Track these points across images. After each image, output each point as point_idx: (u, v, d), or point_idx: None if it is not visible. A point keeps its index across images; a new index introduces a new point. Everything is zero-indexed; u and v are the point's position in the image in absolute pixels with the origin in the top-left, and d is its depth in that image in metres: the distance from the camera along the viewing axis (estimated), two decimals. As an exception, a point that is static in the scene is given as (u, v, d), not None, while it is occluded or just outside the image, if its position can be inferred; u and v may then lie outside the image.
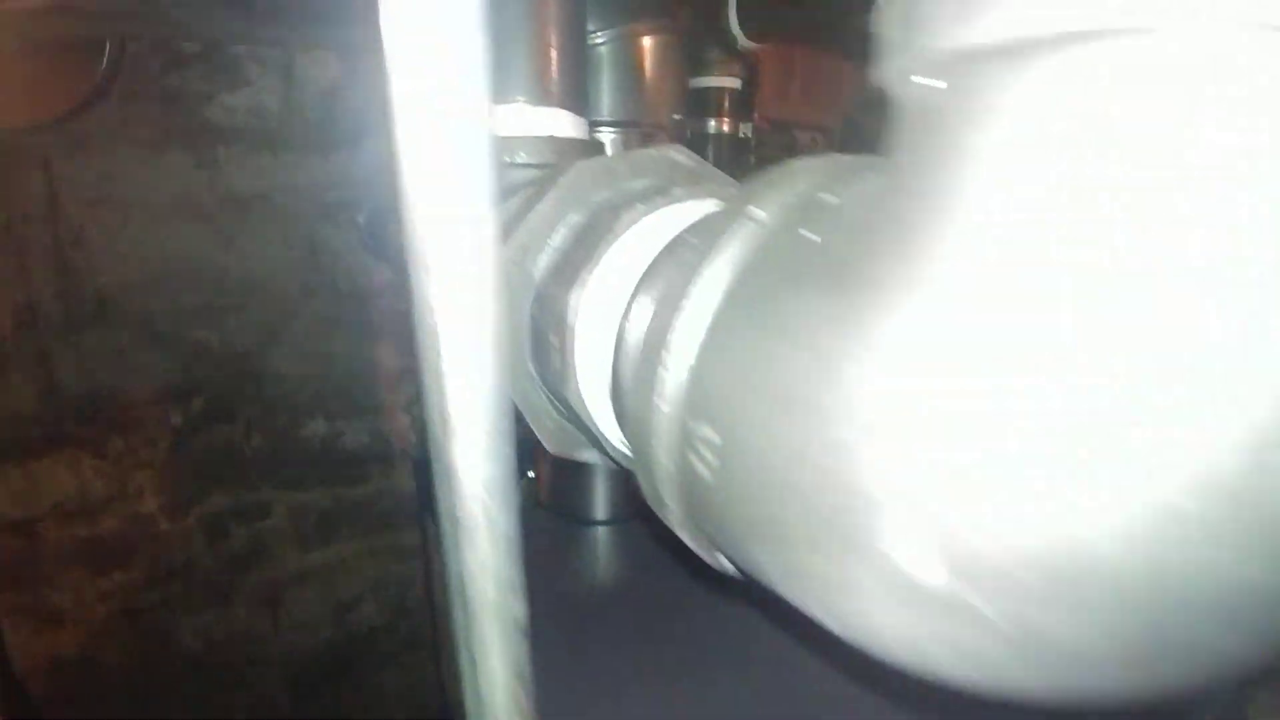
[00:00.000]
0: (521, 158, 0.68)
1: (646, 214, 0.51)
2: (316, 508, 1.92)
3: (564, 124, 0.70)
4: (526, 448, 1.14)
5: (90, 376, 1.59)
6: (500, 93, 0.66)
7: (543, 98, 0.68)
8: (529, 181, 0.64)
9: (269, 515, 1.87)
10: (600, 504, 1.10)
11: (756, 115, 1.41)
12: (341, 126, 1.72)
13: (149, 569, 1.74)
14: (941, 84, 0.22)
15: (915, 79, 0.23)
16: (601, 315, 0.48)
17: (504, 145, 0.67)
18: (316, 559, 1.95)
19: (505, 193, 0.64)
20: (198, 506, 1.77)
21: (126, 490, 1.69)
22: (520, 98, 0.67)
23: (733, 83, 1.31)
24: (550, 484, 1.13)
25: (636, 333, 0.42)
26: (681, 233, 0.45)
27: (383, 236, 1.38)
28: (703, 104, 1.32)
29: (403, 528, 2.05)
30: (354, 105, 1.72)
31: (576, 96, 0.71)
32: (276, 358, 1.78)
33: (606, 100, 1.00)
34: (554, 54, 0.67)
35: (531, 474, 1.15)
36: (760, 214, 0.32)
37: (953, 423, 0.21)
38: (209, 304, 1.67)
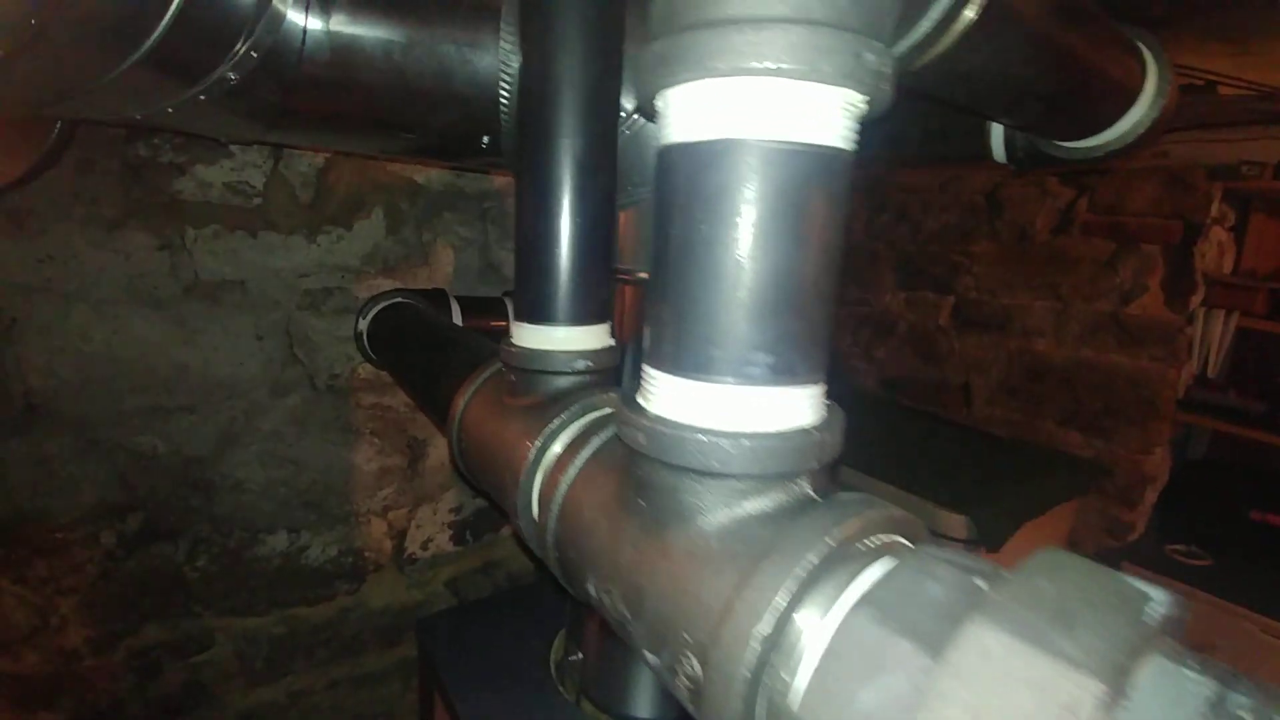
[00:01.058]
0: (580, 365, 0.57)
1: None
2: (267, 635, 1.67)
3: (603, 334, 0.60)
4: (576, 628, 0.98)
5: (11, 493, 1.32)
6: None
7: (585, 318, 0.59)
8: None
9: (210, 646, 1.61)
10: (647, 699, 0.95)
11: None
12: (333, 204, 1.55)
13: (74, 711, 1.45)
14: None
15: None
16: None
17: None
18: (265, 695, 1.68)
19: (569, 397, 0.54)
20: (129, 639, 1.50)
21: (49, 621, 1.41)
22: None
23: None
24: (596, 671, 0.98)
25: None
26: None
27: (394, 343, 1.21)
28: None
29: (369, 651, 1.81)
30: (349, 180, 1.55)
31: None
32: (234, 464, 1.55)
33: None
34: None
35: (579, 655, 0.99)
36: None
37: None
38: (158, 406, 1.44)
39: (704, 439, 0.35)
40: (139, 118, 0.76)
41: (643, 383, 0.41)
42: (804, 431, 0.36)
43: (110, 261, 1.34)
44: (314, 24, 0.75)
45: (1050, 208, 2.71)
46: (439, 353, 0.89)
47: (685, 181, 0.36)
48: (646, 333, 0.40)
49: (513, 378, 0.61)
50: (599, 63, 0.57)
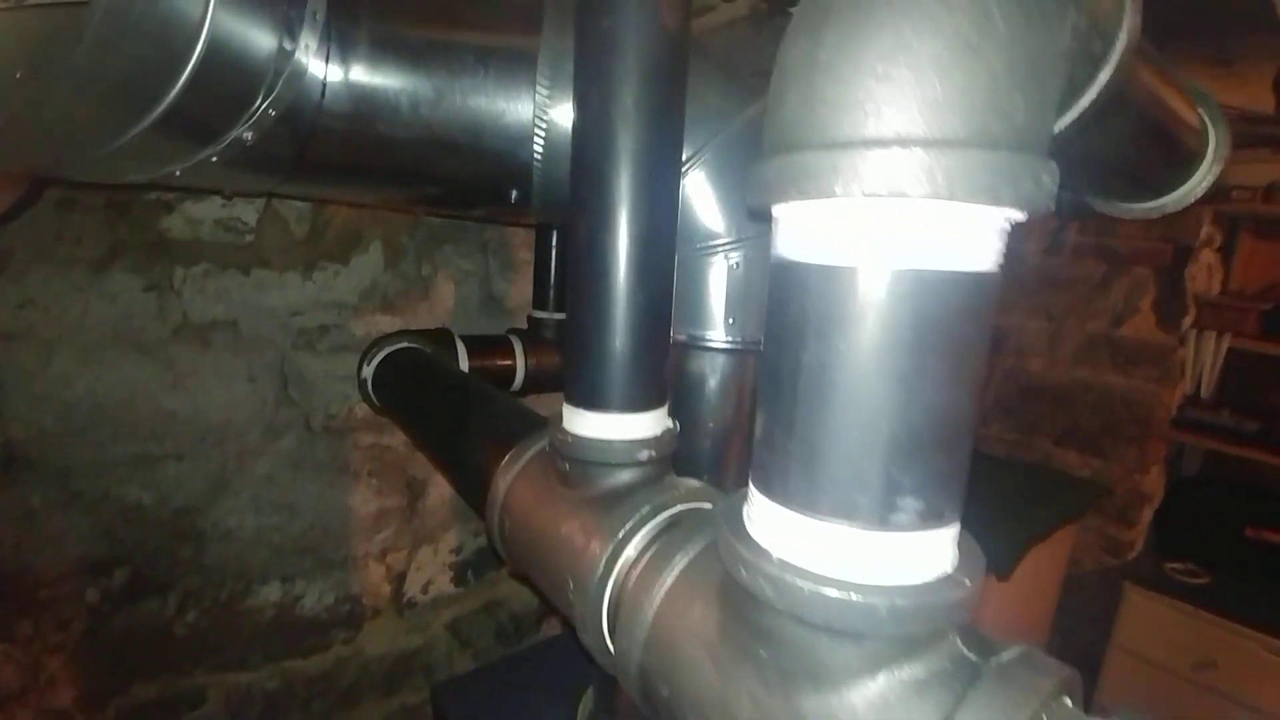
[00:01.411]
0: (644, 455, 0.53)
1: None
2: (261, 690, 1.59)
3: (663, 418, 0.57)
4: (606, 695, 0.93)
5: (-13, 549, 1.24)
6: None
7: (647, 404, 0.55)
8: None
9: (202, 704, 1.52)
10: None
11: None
12: (330, 239, 1.49)
13: (53, 781, 1.36)
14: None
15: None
16: None
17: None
18: (258, 754, 1.60)
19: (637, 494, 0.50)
20: (118, 698, 1.41)
21: (38, 679, 1.32)
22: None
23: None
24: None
25: None
26: None
27: (404, 393, 1.16)
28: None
29: (367, 701, 1.74)
30: (347, 214, 1.49)
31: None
32: (225, 512, 1.47)
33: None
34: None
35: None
36: None
37: None
38: (144, 454, 1.36)
39: (852, 598, 0.31)
40: (145, 181, 0.70)
41: (753, 512, 0.37)
42: (951, 580, 0.33)
43: (94, 305, 1.27)
44: (334, 74, 0.70)
45: (1040, 230, 2.73)
46: (465, 414, 0.84)
47: (821, 304, 0.32)
48: (757, 455, 0.36)
49: (565, 466, 0.57)
50: (663, 122, 0.53)
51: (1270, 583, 2.50)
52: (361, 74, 0.71)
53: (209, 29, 0.56)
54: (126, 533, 1.38)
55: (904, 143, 0.28)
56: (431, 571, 1.80)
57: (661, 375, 0.58)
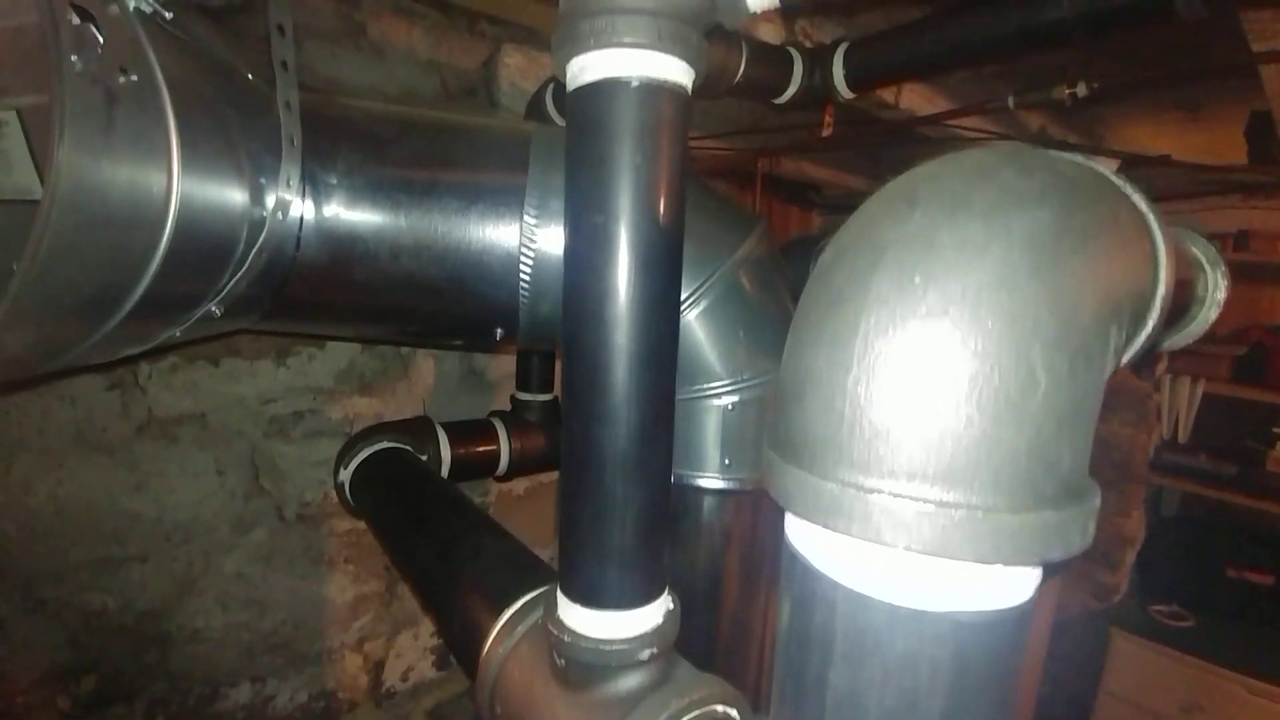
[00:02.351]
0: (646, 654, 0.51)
1: None
2: (232, 797, 1.51)
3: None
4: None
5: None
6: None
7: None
8: None
9: (168, 815, 1.45)
10: None
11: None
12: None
13: None
14: None
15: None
16: None
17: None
18: None
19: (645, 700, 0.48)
20: (79, 818, 1.34)
21: None
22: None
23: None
24: None
25: None
26: None
27: (384, 504, 1.12)
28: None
29: (343, 800, 1.67)
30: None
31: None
32: (191, 613, 1.42)
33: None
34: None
35: None
36: None
37: None
38: (107, 558, 1.31)
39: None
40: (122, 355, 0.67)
41: None
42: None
43: (55, 407, 1.22)
44: (310, 224, 0.68)
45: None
46: (452, 551, 0.81)
47: (854, 629, 0.30)
48: None
49: (562, 661, 0.54)
50: (659, 321, 0.51)
51: (1252, 623, 2.54)
52: (338, 223, 0.69)
53: (177, 204, 0.53)
54: (91, 639, 1.31)
55: (953, 506, 0.27)
56: (412, 658, 1.75)
57: (662, 564, 0.56)
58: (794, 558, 0.33)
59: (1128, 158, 2.20)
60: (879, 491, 0.28)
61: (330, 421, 1.51)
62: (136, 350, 0.63)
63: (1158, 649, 2.46)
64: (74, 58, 0.38)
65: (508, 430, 1.47)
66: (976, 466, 0.27)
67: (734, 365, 0.74)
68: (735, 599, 0.79)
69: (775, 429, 0.34)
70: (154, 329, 0.60)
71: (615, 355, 0.50)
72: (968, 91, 2.06)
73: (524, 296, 0.73)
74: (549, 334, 0.80)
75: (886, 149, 2.74)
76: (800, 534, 0.33)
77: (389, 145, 0.70)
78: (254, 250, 0.59)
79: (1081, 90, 1.59)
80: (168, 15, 0.46)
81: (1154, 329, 0.43)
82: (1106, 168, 0.41)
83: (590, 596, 0.53)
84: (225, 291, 0.60)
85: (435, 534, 0.86)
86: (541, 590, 0.66)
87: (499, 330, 0.77)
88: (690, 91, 0.53)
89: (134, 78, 0.44)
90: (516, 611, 0.65)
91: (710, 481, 0.76)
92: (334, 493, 1.53)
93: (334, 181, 0.66)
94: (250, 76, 0.60)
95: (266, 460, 1.45)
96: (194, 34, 0.58)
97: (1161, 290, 0.41)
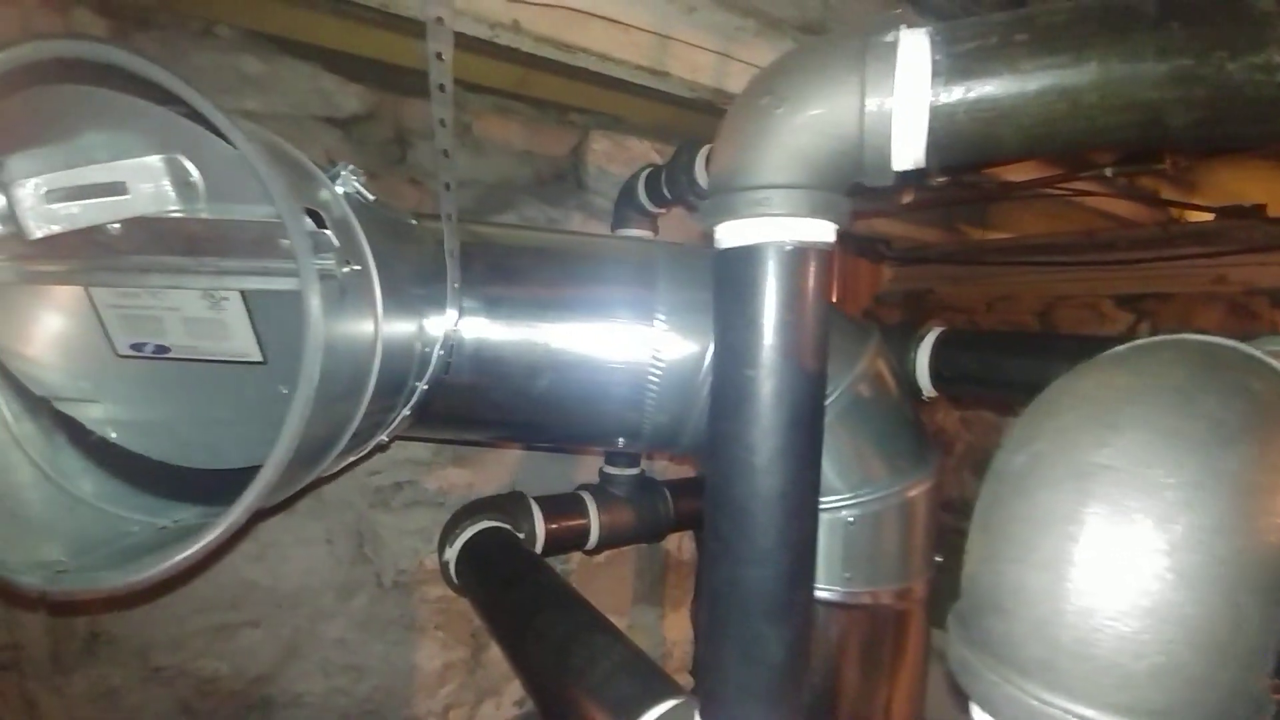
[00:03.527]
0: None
1: None
2: None
3: None
4: None
5: (71, 732, 1.26)
6: None
7: None
8: None
9: None
10: None
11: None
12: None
13: None
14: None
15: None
16: None
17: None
18: None
19: None
20: None
21: None
22: None
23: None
24: None
25: None
26: None
27: (489, 586, 1.16)
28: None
29: None
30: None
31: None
32: (294, 678, 1.48)
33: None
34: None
35: None
36: None
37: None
38: (224, 625, 1.39)
39: None
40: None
41: None
42: None
43: (186, 483, 1.32)
44: (458, 350, 0.73)
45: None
46: (566, 647, 0.83)
47: None
48: None
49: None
50: (806, 468, 0.54)
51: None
52: (482, 346, 0.74)
53: (380, 346, 0.59)
54: (202, 705, 1.39)
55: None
56: (494, 726, 1.76)
57: (802, 699, 0.57)
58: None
59: (1222, 210, 2.13)
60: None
61: (427, 492, 1.58)
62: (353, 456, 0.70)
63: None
64: (315, 262, 0.45)
65: (597, 505, 1.50)
66: (1190, 706, 0.28)
67: (855, 480, 0.75)
68: (849, 714, 0.79)
69: (968, 627, 0.35)
70: (347, 455, 0.66)
71: (766, 504, 0.53)
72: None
73: (649, 408, 0.77)
74: (669, 442, 0.83)
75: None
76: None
77: (526, 271, 0.76)
78: (421, 379, 0.65)
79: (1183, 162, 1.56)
80: (370, 198, 0.53)
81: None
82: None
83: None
84: (396, 420, 0.66)
85: (547, 633, 0.89)
86: (670, 706, 0.68)
87: (621, 439, 0.81)
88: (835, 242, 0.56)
89: (356, 267, 0.51)
90: (648, 730, 0.67)
91: (830, 594, 0.76)
92: (427, 561, 1.60)
93: (478, 308, 0.72)
94: (414, 222, 0.67)
95: (370, 529, 1.53)
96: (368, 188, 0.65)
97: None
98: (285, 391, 0.62)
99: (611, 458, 1.60)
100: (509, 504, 1.41)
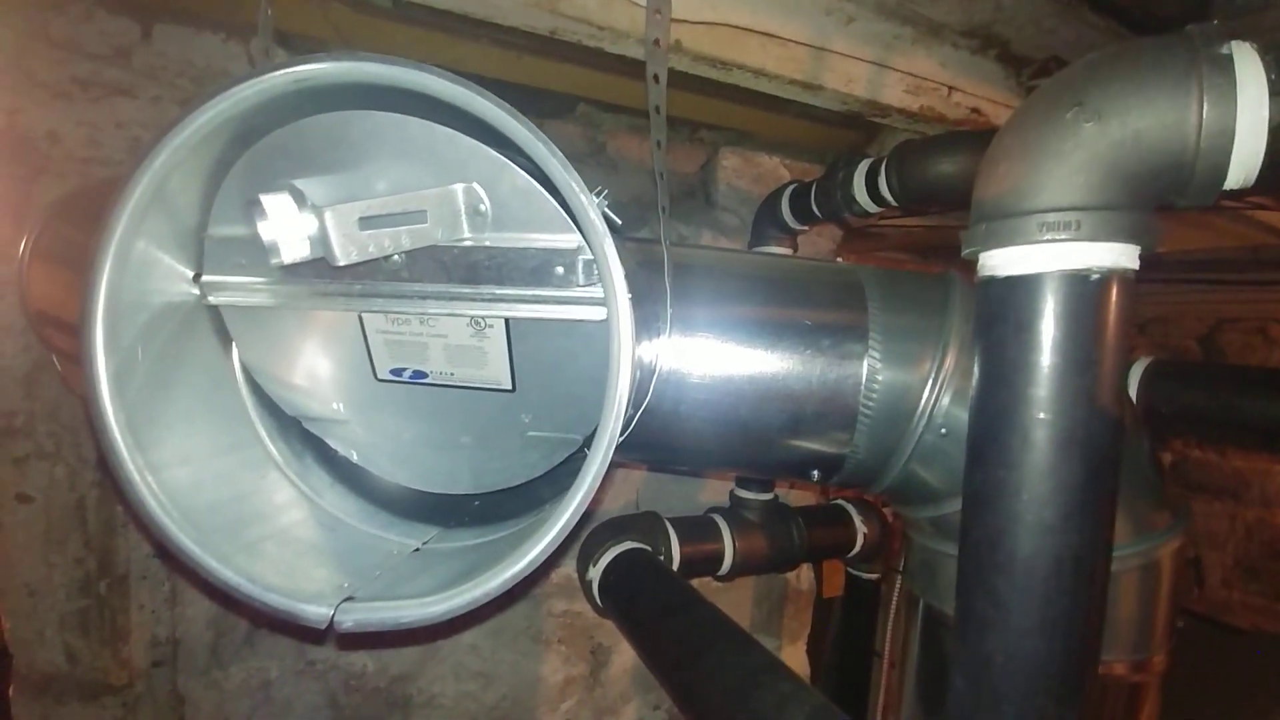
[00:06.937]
0: None
1: None
2: None
3: None
4: None
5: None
6: None
7: None
8: None
9: None
10: None
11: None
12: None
13: None
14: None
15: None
16: None
17: None
18: None
19: None
20: None
21: None
22: None
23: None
24: None
25: None
26: None
27: (632, 605, 1.13)
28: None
29: None
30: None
31: None
32: (431, 679, 1.51)
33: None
34: None
35: None
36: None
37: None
38: (372, 624, 1.42)
39: None
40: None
41: None
42: None
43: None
44: (662, 366, 0.70)
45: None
46: (743, 689, 0.79)
47: None
48: None
49: None
50: (1106, 478, 0.47)
51: None
52: (685, 372, 0.71)
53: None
54: (349, 699, 1.44)
55: None
56: (611, 745, 1.74)
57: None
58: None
59: None
60: None
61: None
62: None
63: None
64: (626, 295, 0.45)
65: (731, 530, 1.45)
66: None
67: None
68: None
69: None
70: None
71: (1059, 567, 0.47)
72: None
73: (854, 444, 0.72)
74: (868, 480, 0.77)
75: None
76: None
77: (727, 294, 0.72)
78: (638, 407, 0.62)
79: None
80: (619, 221, 0.51)
81: None
82: None
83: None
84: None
85: (720, 671, 0.85)
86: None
87: (815, 473, 0.76)
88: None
89: (629, 295, 0.49)
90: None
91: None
92: (553, 574, 1.59)
93: (682, 334, 0.69)
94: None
95: (502, 540, 1.54)
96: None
97: None
98: (527, 420, 0.62)
99: (744, 481, 1.54)
100: (646, 524, 1.39)
